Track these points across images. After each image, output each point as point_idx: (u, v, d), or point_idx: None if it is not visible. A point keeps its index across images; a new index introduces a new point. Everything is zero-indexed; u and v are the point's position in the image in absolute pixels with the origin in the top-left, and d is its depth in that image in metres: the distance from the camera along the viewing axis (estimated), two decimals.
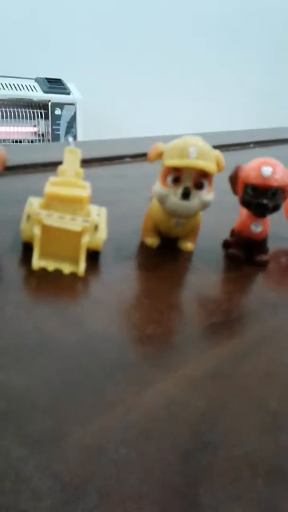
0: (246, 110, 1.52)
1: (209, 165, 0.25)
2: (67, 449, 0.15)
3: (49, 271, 0.25)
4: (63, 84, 1.18)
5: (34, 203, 0.26)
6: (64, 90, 1.16)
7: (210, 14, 1.43)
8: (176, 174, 0.26)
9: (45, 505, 0.13)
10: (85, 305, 0.23)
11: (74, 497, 0.13)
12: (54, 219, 0.25)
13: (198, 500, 0.14)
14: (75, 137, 1.17)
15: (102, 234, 0.27)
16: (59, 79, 1.18)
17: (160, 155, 0.27)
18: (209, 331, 0.22)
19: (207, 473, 0.15)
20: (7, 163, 0.26)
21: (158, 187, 0.27)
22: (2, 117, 1.10)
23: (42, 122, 1.15)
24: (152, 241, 0.30)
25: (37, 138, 1.16)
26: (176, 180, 0.26)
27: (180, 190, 0.26)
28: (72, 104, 1.17)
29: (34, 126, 1.15)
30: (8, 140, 1.11)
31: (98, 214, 0.27)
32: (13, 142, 1.12)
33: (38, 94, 1.13)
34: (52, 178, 0.27)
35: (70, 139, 0.29)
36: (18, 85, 1.12)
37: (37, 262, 0.25)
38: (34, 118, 1.14)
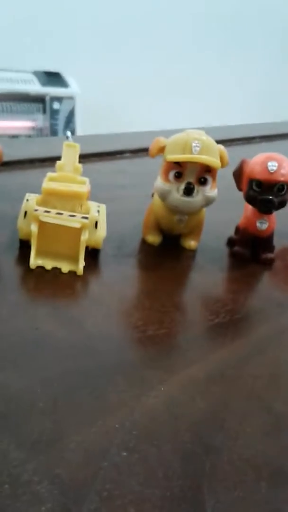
0: (250, 104, 1.50)
1: (212, 160, 0.25)
2: (67, 451, 0.15)
3: (47, 270, 0.24)
4: (61, 77, 1.16)
5: (31, 200, 0.26)
6: (63, 84, 1.15)
7: (212, 7, 1.41)
8: (179, 169, 0.25)
9: (45, 509, 0.13)
10: (84, 305, 0.23)
11: (74, 500, 0.13)
12: (52, 216, 0.24)
13: (201, 503, 0.14)
14: (74, 131, 1.16)
15: (101, 232, 0.26)
16: (57, 73, 1.17)
17: (161, 150, 0.26)
18: (213, 332, 0.22)
19: (210, 476, 0.15)
20: (3, 158, 0.26)
21: (159, 183, 0.26)
22: None
23: (40, 116, 1.14)
24: (154, 238, 0.29)
25: (34, 133, 1.15)
26: (179, 176, 0.26)
27: (182, 186, 0.26)
28: (71, 98, 1.15)
29: (32, 120, 1.14)
30: (5, 135, 1.10)
31: (97, 210, 0.27)
32: (10, 137, 1.11)
33: (35, 88, 1.12)
34: (50, 174, 0.26)
35: (69, 133, 0.28)
36: (15, 78, 1.11)
37: (34, 260, 0.24)
38: (31, 113, 1.13)
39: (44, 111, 1.15)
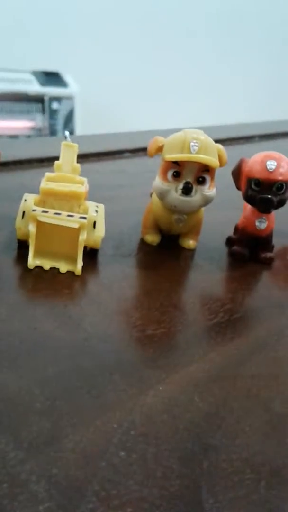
0: (250, 102, 1.50)
1: (211, 159, 0.25)
2: (65, 451, 0.15)
3: (46, 270, 0.24)
4: (60, 77, 1.16)
5: (29, 200, 0.26)
6: (62, 83, 1.15)
7: (211, 6, 1.41)
8: (177, 169, 0.25)
9: (43, 509, 0.13)
10: (83, 305, 0.22)
11: (71, 501, 0.13)
12: (50, 216, 0.24)
13: (199, 503, 0.14)
14: (73, 131, 1.16)
15: (100, 231, 0.26)
16: (56, 73, 1.17)
17: (160, 149, 0.26)
18: (212, 331, 0.22)
19: (209, 476, 0.15)
20: (1, 159, 0.26)
21: (158, 182, 0.26)
22: None
23: (39, 116, 1.14)
24: (153, 238, 0.29)
25: (34, 133, 1.15)
26: (177, 175, 0.26)
27: (181, 185, 0.25)
28: (70, 97, 1.15)
29: (31, 120, 1.14)
30: (4, 135, 1.10)
31: (96, 210, 0.27)
32: (9, 137, 1.11)
33: (34, 88, 1.12)
34: (48, 174, 0.26)
35: (67, 133, 0.28)
36: (13, 78, 1.10)
37: (32, 260, 0.24)
38: (30, 113, 1.13)
39: (43, 111, 1.15)
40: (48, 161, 0.41)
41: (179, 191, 0.26)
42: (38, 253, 0.25)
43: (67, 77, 1.17)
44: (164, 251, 0.29)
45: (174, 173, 0.26)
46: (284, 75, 1.59)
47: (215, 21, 1.45)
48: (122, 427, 0.16)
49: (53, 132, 1.15)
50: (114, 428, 0.16)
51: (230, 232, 0.31)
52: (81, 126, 1.18)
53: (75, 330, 0.20)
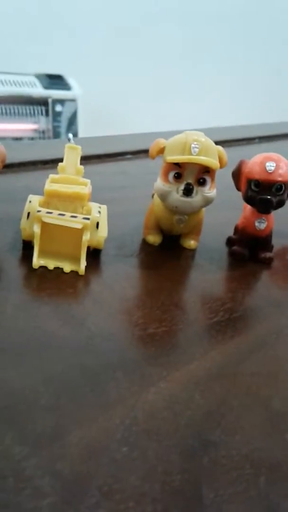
0: (250, 104, 1.50)
1: (211, 161, 0.25)
2: (68, 447, 0.15)
3: (50, 270, 0.25)
4: (63, 80, 1.17)
5: (34, 201, 0.26)
6: (65, 86, 1.16)
7: (213, 6, 1.41)
8: (178, 170, 0.26)
9: (47, 503, 0.13)
10: (86, 304, 0.23)
11: (75, 495, 0.13)
12: (54, 217, 0.25)
13: (200, 498, 0.14)
14: (76, 133, 1.16)
15: (103, 232, 0.26)
16: (60, 75, 1.17)
17: (161, 151, 0.26)
18: (212, 330, 0.22)
19: (209, 471, 0.15)
20: (6, 161, 0.26)
21: (159, 183, 0.27)
22: (2, 114, 1.09)
23: (42, 119, 1.15)
24: (154, 238, 0.30)
25: (37, 135, 1.15)
26: (178, 176, 0.26)
27: (182, 187, 0.26)
28: (73, 100, 1.16)
29: (35, 123, 1.15)
30: (8, 137, 1.11)
31: (98, 211, 0.27)
32: (13, 139, 1.12)
33: (38, 90, 1.12)
34: (52, 176, 0.26)
35: (70, 135, 0.29)
36: (17, 81, 1.11)
37: (37, 260, 0.25)
38: (34, 115, 1.14)
39: (47, 114, 1.16)
40: (52, 163, 0.42)
41: (180, 192, 0.26)
42: (43, 253, 0.25)
43: (70, 80, 1.18)
44: (165, 251, 0.29)
45: (175, 175, 0.26)
46: (284, 77, 1.59)
47: (216, 23, 1.45)
48: (125, 423, 0.16)
49: (56, 134, 1.16)
50: (116, 424, 0.16)
51: (230, 232, 0.31)
52: (84, 128, 1.18)
53: (79, 328, 0.21)
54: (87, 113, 1.19)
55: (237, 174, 0.28)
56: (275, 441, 0.16)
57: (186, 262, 0.29)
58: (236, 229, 0.30)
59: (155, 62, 1.39)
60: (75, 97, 1.16)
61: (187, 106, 1.36)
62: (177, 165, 0.26)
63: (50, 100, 1.14)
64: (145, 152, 0.33)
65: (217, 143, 0.26)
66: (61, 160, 0.27)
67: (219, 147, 0.26)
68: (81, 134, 1.17)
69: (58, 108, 1.16)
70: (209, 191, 0.26)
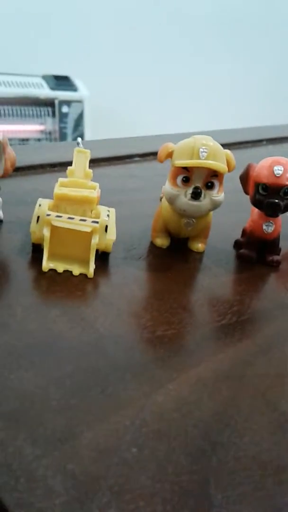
0: (258, 107, 1.49)
1: (219, 165, 0.25)
2: (79, 448, 0.15)
3: (59, 273, 0.25)
4: (70, 81, 1.17)
5: (43, 205, 0.26)
6: (72, 87, 1.16)
7: (217, 7, 1.41)
8: (186, 174, 0.26)
9: (59, 502, 0.13)
10: (95, 306, 0.23)
11: (87, 494, 0.14)
12: (64, 221, 0.25)
13: (208, 498, 0.14)
14: (82, 135, 1.17)
15: (111, 235, 0.27)
16: (66, 76, 1.18)
17: (170, 155, 0.27)
18: (220, 332, 0.22)
19: (217, 472, 0.15)
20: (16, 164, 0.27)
21: (168, 187, 0.27)
22: (9, 116, 1.10)
23: (49, 120, 1.15)
24: (162, 241, 0.30)
25: (44, 136, 1.16)
26: (186, 180, 0.26)
27: (190, 190, 0.26)
28: (80, 101, 1.16)
29: (41, 124, 1.15)
30: (15, 138, 1.12)
31: (107, 215, 0.27)
32: (19, 140, 1.13)
33: (44, 92, 1.13)
34: (61, 179, 0.27)
35: (79, 139, 0.29)
36: (24, 82, 1.12)
37: (47, 263, 0.25)
38: (41, 116, 1.14)
39: (53, 115, 1.16)
40: (60, 166, 0.42)
41: (189, 196, 0.26)
42: (52, 256, 0.25)
43: (77, 81, 1.18)
44: (173, 254, 0.29)
45: (184, 179, 0.26)
46: None
47: (225, 26, 1.44)
48: (134, 424, 0.16)
49: (62, 136, 1.16)
50: (126, 425, 0.16)
51: (238, 235, 0.31)
52: (90, 130, 1.19)
53: (88, 330, 0.21)
54: (94, 114, 1.19)
55: (245, 178, 0.28)
56: (282, 443, 0.17)
57: (194, 265, 0.29)
58: (244, 232, 0.31)
59: (163, 63, 1.39)
60: (81, 98, 1.17)
61: (194, 108, 1.36)
62: (185, 169, 0.26)
63: (56, 101, 1.15)
64: (153, 154, 0.34)
65: (224, 145, 0.26)
66: (69, 162, 0.27)
67: (227, 151, 0.26)
68: (87, 135, 1.18)
69: (65, 109, 1.16)
70: (217, 194, 0.27)
